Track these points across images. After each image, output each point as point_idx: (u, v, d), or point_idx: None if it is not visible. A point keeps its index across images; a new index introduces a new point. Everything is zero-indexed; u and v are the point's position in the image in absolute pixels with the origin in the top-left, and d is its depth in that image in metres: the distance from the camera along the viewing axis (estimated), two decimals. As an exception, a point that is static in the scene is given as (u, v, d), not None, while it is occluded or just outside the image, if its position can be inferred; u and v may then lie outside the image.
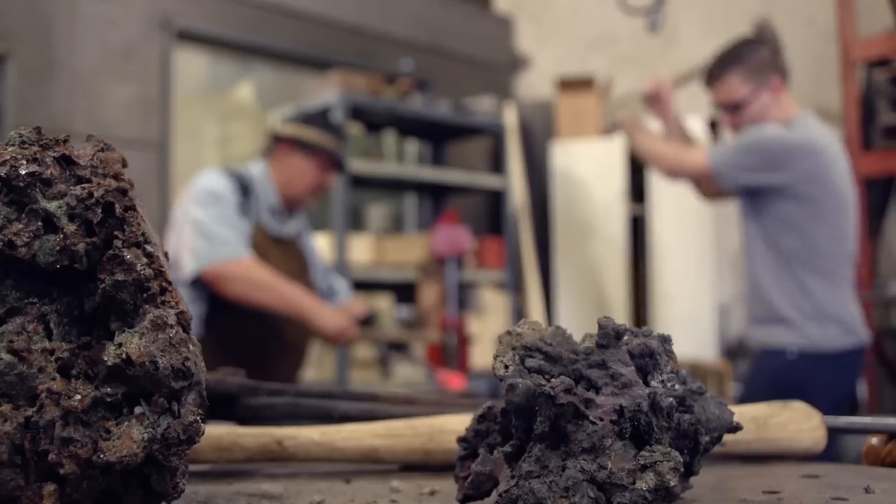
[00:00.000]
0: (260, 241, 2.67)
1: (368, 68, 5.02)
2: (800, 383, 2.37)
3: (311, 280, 2.90)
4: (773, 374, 2.45)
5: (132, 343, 0.48)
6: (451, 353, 3.01)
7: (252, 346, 2.63)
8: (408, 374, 4.48)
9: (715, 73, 2.59)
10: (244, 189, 2.65)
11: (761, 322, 2.54)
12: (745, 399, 2.61)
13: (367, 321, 2.90)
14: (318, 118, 2.88)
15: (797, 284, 2.44)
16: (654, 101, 2.85)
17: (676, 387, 0.54)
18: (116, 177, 0.53)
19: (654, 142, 2.77)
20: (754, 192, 2.50)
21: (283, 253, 2.77)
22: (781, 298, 2.46)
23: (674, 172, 2.72)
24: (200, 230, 2.49)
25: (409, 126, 5.06)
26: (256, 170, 2.75)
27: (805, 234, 2.43)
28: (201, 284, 2.53)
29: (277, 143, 2.78)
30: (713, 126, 4.77)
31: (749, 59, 2.53)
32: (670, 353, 0.56)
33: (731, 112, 2.58)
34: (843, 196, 2.46)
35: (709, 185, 2.79)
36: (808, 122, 2.52)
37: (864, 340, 2.48)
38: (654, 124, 3.03)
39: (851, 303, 2.49)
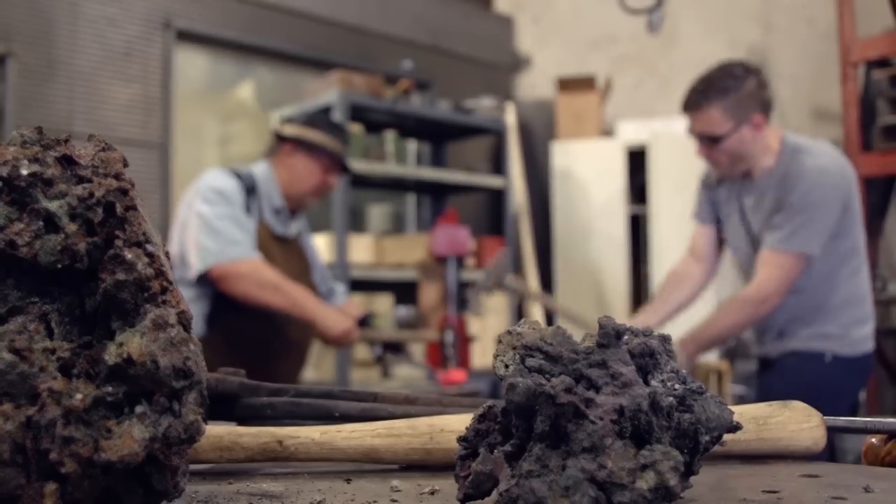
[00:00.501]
0: (264, 240, 2.67)
1: (369, 68, 5.02)
2: (833, 388, 2.37)
3: (313, 281, 2.91)
4: (807, 377, 2.41)
5: (133, 342, 0.48)
6: (451, 353, 3.01)
7: (254, 345, 2.63)
8: (408, 374, 4.48)
9: (695, 101, 2.43)
10: (249, 189, 2.66)
11: (798, 328, 2.48)
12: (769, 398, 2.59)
13: (364, 322, 2.91)
14: (322, 119, 2.88)
15: (845, 288, 2.43)
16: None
17: (676, 386, 0.54)
18: (117, 177, 0.53)
19: (725, 324, 2.48)
20: None
21: (285, 253, 2.78)
22: (829, 302, 2.42)
23: (783, 295, 2.41)
24: (209, 228, 2.49)
25: (409, 126, 5.06)
26: (260, 170, 2.75)
27: (849, 238, 2.42)
28: (206, 283, 2.53)
29: (281, 144, 2.78)
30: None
31: (733, 92, 2.38)
32: (670, 353, 0.56)
33: (707, 143, 2.45)
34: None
35: None
36: (800, 143, 2.45)
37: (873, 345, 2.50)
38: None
39: (871, 305, 2.50)
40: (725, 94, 2.38)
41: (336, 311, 2.69)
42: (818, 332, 2.44)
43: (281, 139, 2.79)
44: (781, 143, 2.45)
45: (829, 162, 2.38)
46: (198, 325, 2.54)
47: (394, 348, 2.96)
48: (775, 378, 2.53)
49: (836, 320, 2.43)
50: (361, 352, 4.28)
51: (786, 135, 2.49)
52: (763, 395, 2.85)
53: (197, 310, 2.53)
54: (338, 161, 2.78)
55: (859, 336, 2.44)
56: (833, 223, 2.35)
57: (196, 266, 2.49)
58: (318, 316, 2.56)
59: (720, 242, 2.74)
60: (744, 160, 2.46)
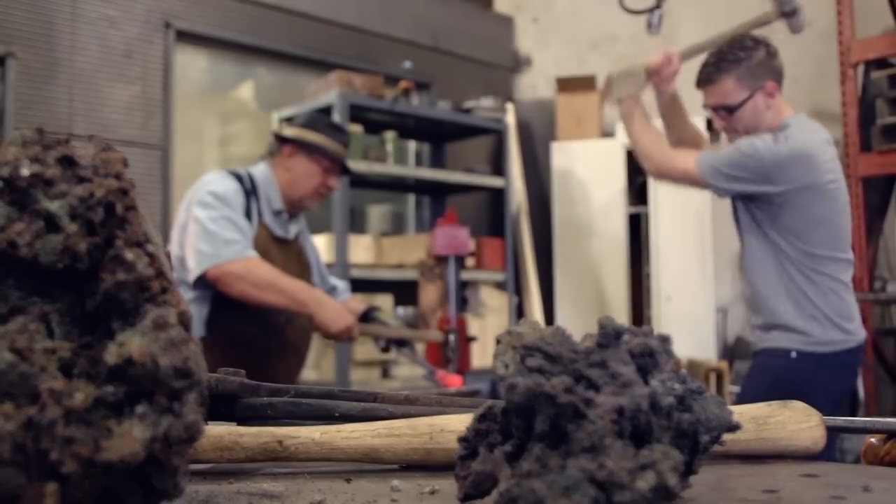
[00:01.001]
0: (264, 242, 2.67)
1: (369, 69, 5.02)
2: (799, 383, 2.37)
3: (313, 282, 2.90)
4: (772, 374, 2.45)
5: (133, 342, 0.48)
6: (452, 355, 3.01)
7: (253, 347, 2.63)
8: (408, 374, 4.48)
9: (708, 75, 2.52)
10: (248, 191, 2.66)
11: (762, 325, 2.54)
12: (743, 399, 2.60)
13: (366, 317, 2.90)
14: (322, 120, 2.87)
15: (797, 287, 2.44)
16: (657, 73, 2.75)
17: (676, 386, 0.55)
18: (118, 177, 0.53)
19: (648, 135, 2.69)
20: (747, 198, 2.48)
21: (285, 254, 2.78)
22: (781, 301, 2.45)
23: (661, 173, 2.65)
24: (204, 231, 2.50)
25: (409, 126, 5.06)
26: (259, 172, 2.75)
27: (803, 239, 2.42)
28: (205, 285, 2.53)
29: (281, 145, 2.78)
30: (710, 125, 4.77)
31: (744, 61, 2.47)
32: (670, 353, 0.56)
33: (723, 115, 2.53)
34: (837, 200, 2.45)
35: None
36: (801, 124, 2.48)
37: (862, 340, 2.48)
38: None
39: (851, 303, 2.49)
40: (737, 63, 2.47)
41: (337, 306, 2.69)
42: (781, 329, 2.46)
43: (280, 141, 2.79)
44: (792, 118, 2.50)
45: (779, 145, 2.41)
46: (197, 328, 2.54)
47: (398, 343, 2.95)
48: (748, 378, 2.57)
49: (800, 316, 2.43)
50: (361, 352, 4.28)
51: (789, 118, 2.51)
52: (740, 398, 2.87)
53: (196, 312, 2.53)
54: (338, 163, 2.77)
55: (830, 332, 2.42)
56: (749, 188, 2.42)
57: (193, 270, 2.49)
58: (318, 309, 2.56)
59: None
60: (759, 130, 2.51)
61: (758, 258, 2.49)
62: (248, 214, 2.62)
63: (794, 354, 2.43)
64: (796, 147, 2.41)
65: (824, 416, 0.81)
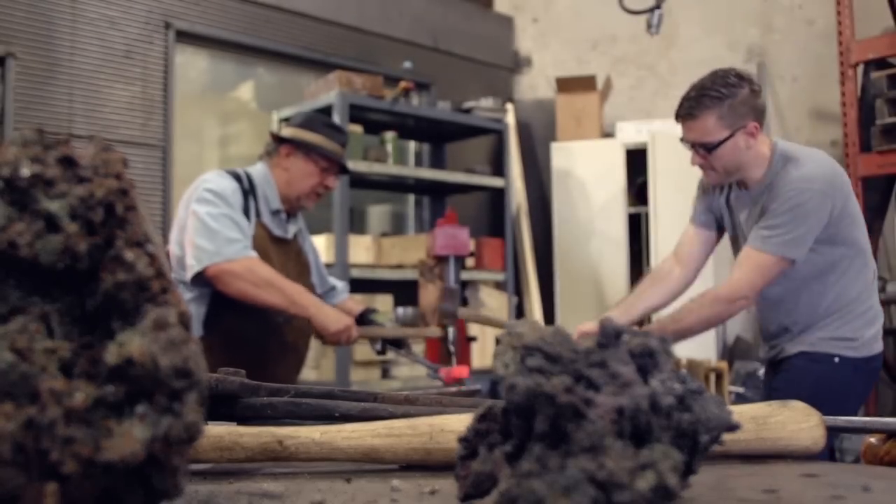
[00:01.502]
0: (262, 242, 2.67)
1: (369, 69, 5.02)
2: (838, 389, 2.37)
3: (311, 282, 2.90)
4: (813, 379, 2.40)
5: (133, 342, 0.48)
6: (454, 349, 3.00)
7: (252, 347, 2.63)
8: (408, 374, 4.48)
9: (689, 109, 2.41)
10: (247, 190, 2.66)
11: (797, 327, 2.47)
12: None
13: (363, 319, 2.90)
14: (320, 120, 2.87)
15: (843, 293, 2.42)
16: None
17: (676, 386, 0.55)
18: (118, 177, 0.53)
19: (691, 314, 2.46)
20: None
21: (284, 254, 2.78)
22: (826, 307, 2.42)
23: (756, 294, 2.42)
24: (204, 228, 2.50)
25: (409, 126, 5.06)
26: (258, 171, 2.75)
27: (848, 245, 2.40)
28: (203, 284, 2.53)
29: (278, 145, 2.78)
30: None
31: (727, 99, 2.37)
32: (669, 353, 0.56)
33: (702, 153, 2.44)
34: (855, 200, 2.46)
35: None
36: (788, 143, 2.45)
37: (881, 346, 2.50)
38: None
39: (879, 308, 2.50)
40: (720, 101, 2.36)
41: (334, 310, 2.69)
42: (824, 335, 2.44)
43: (278, 140, 2.79)
44: (772, 152, 2.44)
45: (814, 169, 2.35)
46: (195, 327, 2.55)
47: (396, 344, 2.95)
48: (783, 381, 2.51)
49: (845, 323, 2.43)
50: (361, 352, 4.28)
51: (776, 142, 2.47)
52: (769, 398, 2.85)
53: (194, 311, 2.53)
54: (335, 162, 2.77)
55: (866, 338, 2.44)
56: (817, 230, 2.34)
57: (192, 266, 2.49)
58: (316, 313, 2.56)
59: (710, 248, 2.73)
60: (739, 169, 2.45)
61: (813, 267, 2.41)
62: (246, 214, 2.62)
63: (837, 360, 2.41)
64: (825, 162, 2.38)
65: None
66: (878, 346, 2.46)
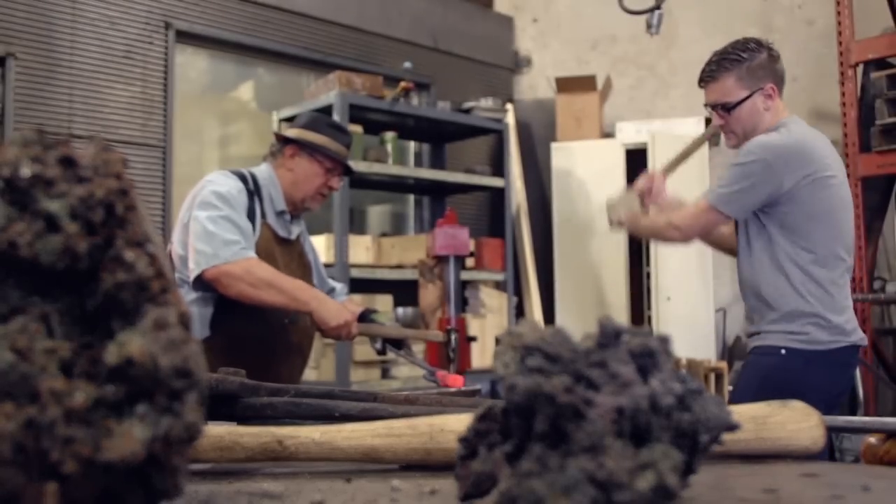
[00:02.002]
0: (268, 243, 2.66)
1: (369, 69, 5.02)
2: (789, 381, 2.36)
3: (313, 283, 2.90)
4: (763, 372, 2.44)
5: (133, 342, 0.48)
6: (453, 352, 3.01)
7: (258, 347, 2.62)
8: (408, 374, 4.48)
9: (710, 73, 2.55)
10: (252, 191, 2.65)
11: (756, 327, 2.54)
12: (735, 398, 2.60)
13: (364, 318, 2.90)
14: (324, 121, 2.87)
15: (792, 286, 2.44)
16: (648, 194, 2.80)
17: (676, 386, 0.55)
18: (118, 177, 0.53)
19: (656, 221, 2.70)
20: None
21: (289, 255, 2.77)
22: (776, 300, 2.45)
23: (691, 234, 2.62)
24: (203, 232, 2.49)
25: (409, 127, 5.06)
26: (262, 172, 2.74)
27: (804, 237, 2.42)
28: (205, 286, 2.53)
29: (283, 146, 2.78)
30: (709, 123, 4.78)
31: (746, 62, 2.50)
32: (669, 353, 0.56)
33: (721, 113, 2.55)
34: (838, 197, 2.45)
35: (729, 239, 2.74)
36: (798, 122, 2.51)
37: (856, 341, 2.46)
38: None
39: (845, 304, 2.48)
40: (739, 63, 2.49)
41: (336, 303, 2.68)
42: (773, 328, 2.47)
43: (282, 141, 2.79)
44: (780, 123, 2.50)
45: (776, 139, 2.42)
46: (201, 328, 2.54)
47: (395, 344, 2.95)
48: (739, 377, 2.59)
49: (795, 318, 2.43)
50: (361, 352, 4.28)
51: (792, 117, 2.53)
52: (732, 396, 2.87)
53: (200, 313, 2.53)
54: (339, 163, 2.77)
55: (821, 331, 2.42)
56: (756, 196, 2.41)
57: (193, 270, 2.49)
58: (317, 307, 2.56)
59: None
60: (755, 131, 2.52)
61: (755, 251, 2.49)
62: (251, 215, 2.62)
63: (783, 352, 2.43)
64: (793, 139, 2.42)
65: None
66: (837, 341, 2.42)
